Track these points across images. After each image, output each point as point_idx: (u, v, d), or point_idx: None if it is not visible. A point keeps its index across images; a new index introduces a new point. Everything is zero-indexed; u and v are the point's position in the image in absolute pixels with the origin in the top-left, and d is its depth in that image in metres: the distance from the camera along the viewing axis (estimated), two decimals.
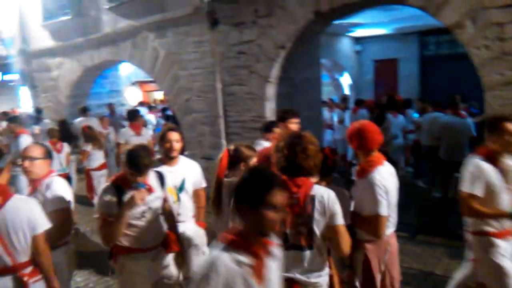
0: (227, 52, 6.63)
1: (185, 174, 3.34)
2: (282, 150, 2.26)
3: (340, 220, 2.19)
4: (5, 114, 10.65)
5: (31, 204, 2.53)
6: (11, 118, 7.43)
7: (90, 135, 6.73)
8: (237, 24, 6.37)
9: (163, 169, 3.09)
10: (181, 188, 3.28)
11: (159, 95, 18.36)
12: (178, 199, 3.22)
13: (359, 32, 12.19)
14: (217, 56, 6.71)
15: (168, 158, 3.28)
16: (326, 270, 2.31)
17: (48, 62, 10.53)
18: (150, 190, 2.74)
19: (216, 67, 6.75)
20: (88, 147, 6.60)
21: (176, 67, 7.49)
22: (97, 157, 6.69)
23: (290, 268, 2.19)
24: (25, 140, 6.08)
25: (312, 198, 2.17)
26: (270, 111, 6.39)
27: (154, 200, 2.82)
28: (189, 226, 3.38)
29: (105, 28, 8.73)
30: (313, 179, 2.31)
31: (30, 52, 10.99)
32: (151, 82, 14.65)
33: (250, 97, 6.48)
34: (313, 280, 2.23)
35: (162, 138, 3.27)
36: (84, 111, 8.82)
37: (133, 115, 6.79)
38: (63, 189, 2.95)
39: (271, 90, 6.34)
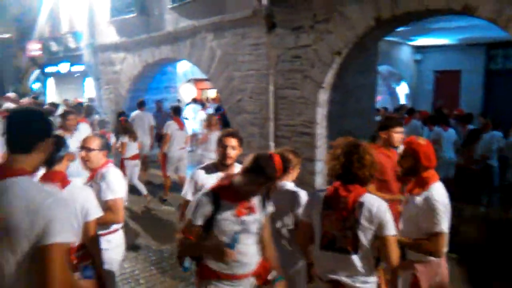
0: (282, 55, 6.65)
1: None
2: (338, 158, 2.31)
3: (389, 231, 2.21)
4: (65, 101, 11.45)
5: (86, 192, 2.67)
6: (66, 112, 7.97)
7: (126, 128, 7.18)
8: (294, 28, 6.37)
9: (218, 176, 2.92)
10: None
11: (212, 93, 18.81)
12: None
13: (420, 41, 11.74)
14: (272, 59, 6.76)
15: (222, 165, 3.09)
16: (373, 278, 2.32)
17: (112, 56, 11.16)
18: (251, 210, 2.40)
19: (270, 70, 6.80)
20: (125, 139, 6.99)
21: (231, 68, 7.64)
22: (132, 148, 7.07)
23: (336, 270, 2.30)
24: (84, 130, 6.49)
25: (361, 204, 2.23)
26: (321, 117, 6.33)
27: (252, 223, 2.41)
28: None
29: (167, 26, 9.10)
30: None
31: (96, 46, 11.70)
32: (205, 80, 15.05)
33: (302, 102, 6.46)
34: (358, 284, 2.27)
35: (218, 142, 3.12)
36: (141, 105, 9.25)
37: (177, 110, 7.73)
38: (117, 180, 3.10)
39: (323, 96, 6.27)
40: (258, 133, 7.22)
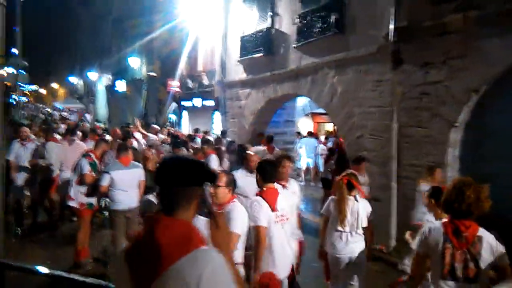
0: (408, 92, 6.36)
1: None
2: (456, 196, 2.57)
3: (507, 259, 2.52)
4: (196, 130, 12.62)
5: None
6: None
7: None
8: (424, 65, 6.06)
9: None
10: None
11: (329, 127, 18.79)
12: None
13: None
14: (397, 95, 6.51)
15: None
16: None
17: (239, 92, 12.08)
18: None
19: (394, 107, 6.55)
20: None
21: (351, 104, 7.59)
22: None
23: None
24: (213, 160, 7.05)
25: (480, 238, 2.53)
26: (452, 158, 5.80)
27: None
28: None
29: (290, 64, 9.54)
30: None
31: (226, 83, 12.84)
32: (323, 114, 15.15)
33: (429, 141, 6.02)
34: None
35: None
36: (261, 137, 9.76)
37: (270, 140, 8.97)
38: (240, 217, 3.22)
39: (455, 136, 5.76)
40: (378, 172, 6.92)
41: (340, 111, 7.92)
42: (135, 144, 8.54)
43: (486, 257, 2.49)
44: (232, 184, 3.38)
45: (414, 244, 3.30)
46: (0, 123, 3.26)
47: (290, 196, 3.97)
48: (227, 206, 3.27)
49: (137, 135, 10.02)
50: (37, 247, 6.03)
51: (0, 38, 3.16)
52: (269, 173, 3.65)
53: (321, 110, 11.22)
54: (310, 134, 14.07)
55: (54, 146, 6.98)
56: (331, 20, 7.96)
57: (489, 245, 2.50)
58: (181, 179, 1.48)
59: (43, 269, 2.80)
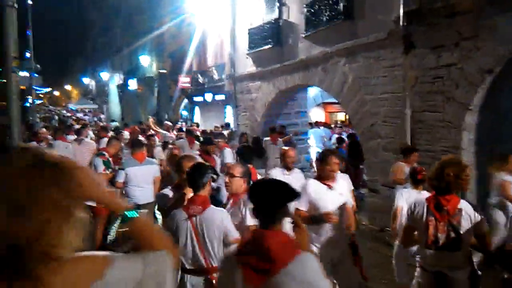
0: (421, 76, 6.27)
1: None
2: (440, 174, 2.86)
3: (485, 227, 2.86)
4: (221, 126, 12.70)
5: (223, 215, 2.91)
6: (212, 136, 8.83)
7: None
8: (435, 47, 5.96)
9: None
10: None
11: (341, 116, 18.67)
12: None
13: None
14: (409, 80, 6.42)
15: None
16: (468, 268, 2.89)
17: (249, 85, 12.08)
18: None
19: (407, 92, 6.47)
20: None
21: (363, 91, 7.52)
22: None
23: (440, 264, 2.85)
24: (228, 153, 7.10)
25: (460, 210, 2.80)
26: (467, 141, 5.71)
27: None
28: None
29: (299, 55, 9.49)
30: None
31: (236, 76, 12.84)
32: (334, 103, 15.05)
33: (444, 126, 5.94)
34: (459, 275, 2.81)
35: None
36: (273, 131, 9.75)
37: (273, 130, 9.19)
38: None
39: (470, 119, 5.67)
40: (393, 159, 6.86)
41: (352, 99, 7.86)
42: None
43: (465, 227, 2.77)
44: (247, 175, 3.41)
45: None
46: (17, 126, 3.34)
47: (336, 198, 3.57)
48: (242, 196, 3.30)
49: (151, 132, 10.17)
50: None
51: (14, 40, 3.22)
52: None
53: (333, 100, 11.14)
54: (316, 124, 14.00)
55: (60, 145, 7.07)
56: (339, 7, 7.87)
57: (468, 215, 2.78)
58: (277, 201, 1.90)
59: None
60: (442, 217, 2.80)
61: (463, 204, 2.82)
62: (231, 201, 3.42)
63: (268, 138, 9.05)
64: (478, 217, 2.78)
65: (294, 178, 4.39)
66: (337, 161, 3.58)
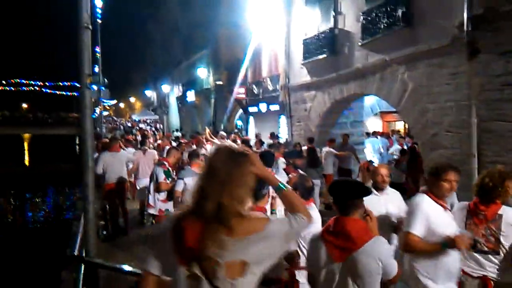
0: (488, 84, 5.90)
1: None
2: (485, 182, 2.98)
3: None
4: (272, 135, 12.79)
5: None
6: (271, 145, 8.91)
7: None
8: (503, 53, 5.59)
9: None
10: None
11: (400, 125, 17.95)
12: None
13: None
14: (475, 88, 6.07)
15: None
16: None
17: (304, 95, 12.06)
18: None
19: (472, 100, 6.11)
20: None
21: (424, 100, 7.21)
22: None
23: (481, 267, 2.93)
24: (282, 163, 7.12)
25: (500, 216, 2.88)
26: None
27: None
28: None
29: (355, 63, 9.32)
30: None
31: (290, 86, 12.89)
32: (392, 112, 14.53)
33: None
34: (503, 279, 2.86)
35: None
36: (331, 141, 9.67)
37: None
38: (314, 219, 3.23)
39: None
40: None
41: (413, 108, 7.56)
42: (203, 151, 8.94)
43: (507, 232, 2.85)
44: (303, 188, 3.35)
45: None
46: (90, 137, 3.61)
47: (450, 221, 2.92)
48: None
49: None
50: (121, 249, 6.47)
51: (88, 59, 3.51)
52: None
53: (391, 109, 10.78)
54: (374, 133, 13.59)
55: (104, 155, 6.96)
56: (398, 14, 7.66)
57: (508, 221, 2.85)
58: (354, 194, 2.32)
59: (130, 268, 3.06)
60: (480, 221, 2.95)
61: (504, 210, 2.90)
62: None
63: (329, 149, 8.96)
64: None
65: (387, 200, 3.66)
66: (457, 177, 2.91)
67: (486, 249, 2.90)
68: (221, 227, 1.52)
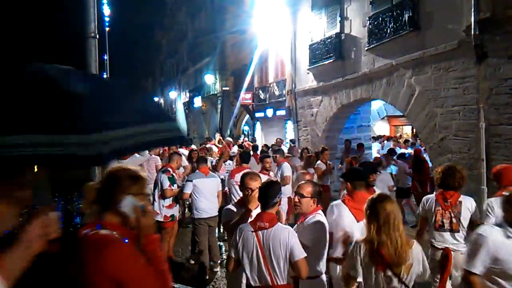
0: (496, 87, 5.84)
1: None
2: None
3: (478, 216, 3.80)
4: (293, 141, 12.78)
5: (290, 233, 2.83)
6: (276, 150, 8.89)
7: None
8: None
9: None
10: None
11: (407, 129, 17.84)
12: None
13: None
14: (483, 92, 6.01)
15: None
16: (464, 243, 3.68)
17: (310, 100, 12.04)
18: None
19: (481, 104, 6.05)
20: None
21: (432, 104, 7.16)
22: None
23: (446, 242, 3.78)
24: (286, 168, 7.12)
25: (460, 202, 3.75)
26: None
27: None
28: None
29: (362, 68, 9.30)
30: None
31: (297, 92, 12.88)
32: (399, 116, 14.46)
33: None
34: (460, 248, 3.68)
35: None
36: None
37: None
38: (319, 227, 3.18)
39: None
40: (466, 176, 6.39)
41: (420, 112, 7.51)
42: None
43: (465, 215, 3.72)
44: (317, 195, 3.31)
45: None
46: None
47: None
48: (309, 216, 3.24)
49: (214, 148, 10.50)
50: None
51: (95, 67, 3.55)
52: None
53: (398, 113, 10.73)
54: (375, 138, 13.56)
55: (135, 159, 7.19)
56: (405, 18, 7.63)
57: (467, 206, 3.73)
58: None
59: None
60: (446, 207, 3.77)
61: (463, 198, 3.77)
62: (299, 219, 3.40)
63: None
64: (476, 209, 3.76)
65: None
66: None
67: (449, 228, 3.75)
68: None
